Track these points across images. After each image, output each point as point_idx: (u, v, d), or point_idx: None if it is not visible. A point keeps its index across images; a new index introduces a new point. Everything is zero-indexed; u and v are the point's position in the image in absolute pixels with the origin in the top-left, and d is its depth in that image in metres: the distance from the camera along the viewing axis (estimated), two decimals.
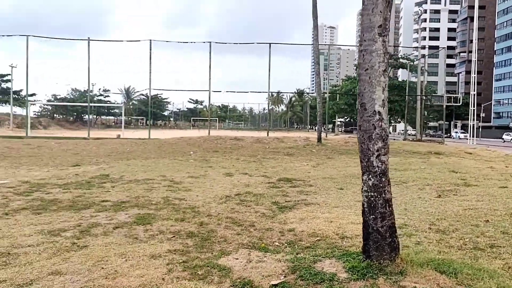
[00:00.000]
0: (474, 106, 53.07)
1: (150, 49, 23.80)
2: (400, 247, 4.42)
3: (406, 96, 37.49)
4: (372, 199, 4.17)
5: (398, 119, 45.37)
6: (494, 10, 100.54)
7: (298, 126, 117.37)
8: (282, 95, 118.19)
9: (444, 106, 29.59)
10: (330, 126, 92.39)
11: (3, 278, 4.07)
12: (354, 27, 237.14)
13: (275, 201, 8.25)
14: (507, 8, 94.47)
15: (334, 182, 10.79)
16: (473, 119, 54.95)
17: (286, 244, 5.52)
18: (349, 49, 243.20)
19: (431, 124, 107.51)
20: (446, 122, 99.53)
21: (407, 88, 38.11)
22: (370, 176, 4.16)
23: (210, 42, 24.38)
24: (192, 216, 6.85)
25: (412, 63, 39.68)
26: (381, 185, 4.15)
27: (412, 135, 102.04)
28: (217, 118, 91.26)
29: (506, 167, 15.13)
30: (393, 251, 4.18)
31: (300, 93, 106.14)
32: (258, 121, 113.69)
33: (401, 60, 44.76)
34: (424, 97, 49.72)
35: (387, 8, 4.05)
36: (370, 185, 4.16)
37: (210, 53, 24.12)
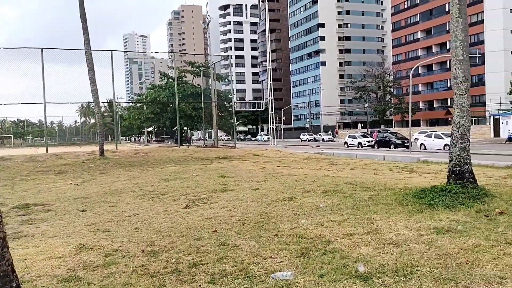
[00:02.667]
0: (272, 111, 57.57)
1: None
2: None
3: (202, 103, 38.20)
4: None
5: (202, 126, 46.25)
6: (288, 23, 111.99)
7: (113, 139, 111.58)
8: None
9: (233, 112, 30.84)
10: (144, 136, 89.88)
11: None
12: (165, 36, 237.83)
13: None
14: (296, 21, 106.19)
15: (83, 203, 9.41)
16: (273, 123, 59.73)
17: None
18: (163, 58, 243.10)
19: (242, 128, 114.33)
20: (253, 126, 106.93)
21: (202, 95, 38.88)
22: None
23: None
24: None
25: (207, 71, 40.59)
26: None
27: (225, 140, 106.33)
28: (12, 135, 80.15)
29: (278, 166, 15.87)
30: None
31: (110, 103, 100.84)
32: (68, 136, 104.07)
33: (201, 68, 45.70)
34: (226, 104, 51.84)
35: None
36: None
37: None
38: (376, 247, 5.28)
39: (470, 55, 32.59)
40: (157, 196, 9.91)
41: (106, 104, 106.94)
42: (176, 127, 56.84)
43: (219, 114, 46.54)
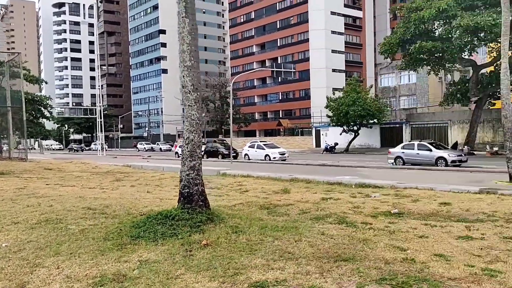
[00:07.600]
0: (100, 118, 53.64)
1: None
2: None
3: None
4: None
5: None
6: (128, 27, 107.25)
7: None
8: None
9: (24, 119, 26.37)
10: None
11: None
12: None
13: None
14: (137, 26, 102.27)
15: None
16: (102, 131, 55.74)
17: None
18: None
19: (77, 137, 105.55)
20: (88, 134, 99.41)
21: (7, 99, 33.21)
22: None
23: None
24: None
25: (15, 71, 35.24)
26: None
27: (56, 149, 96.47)
28: None
29: (47, 185, 13.52)
30: None
31: None
32: None
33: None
34: (42, 109, 46.40)
35: None
36: None
37: None
38: None
39: (286, 70, 34.24)
40: None
41: None
42: None
43: (34, 120, 41.09)
